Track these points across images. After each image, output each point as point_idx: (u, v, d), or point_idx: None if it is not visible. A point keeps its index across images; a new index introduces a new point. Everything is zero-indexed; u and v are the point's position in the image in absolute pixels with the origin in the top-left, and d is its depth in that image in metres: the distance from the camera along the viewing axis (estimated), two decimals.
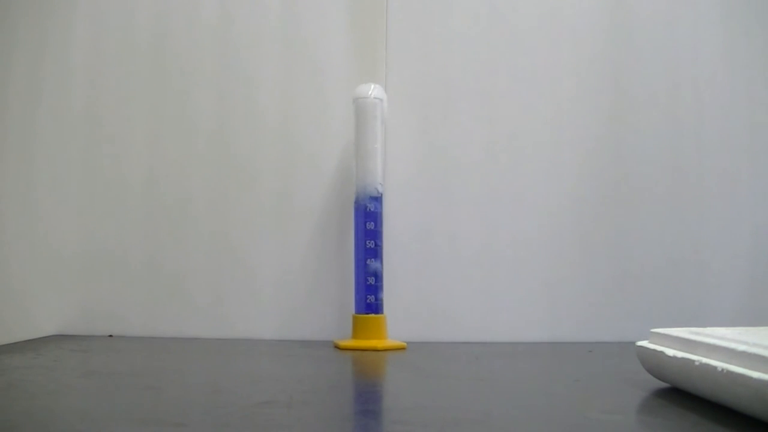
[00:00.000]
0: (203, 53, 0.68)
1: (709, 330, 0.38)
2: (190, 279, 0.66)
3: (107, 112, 0.68)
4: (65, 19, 0.68)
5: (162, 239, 0.67)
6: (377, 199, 0.62)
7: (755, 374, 0.30)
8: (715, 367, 0.33)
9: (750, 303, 0.68)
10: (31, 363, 0.48)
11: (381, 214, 0.62)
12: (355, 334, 0.61)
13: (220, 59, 0.68)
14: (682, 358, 0.36)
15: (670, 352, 0.37)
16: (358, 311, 0.61)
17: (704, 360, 0.34)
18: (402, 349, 0.59)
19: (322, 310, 0.66)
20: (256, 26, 0.69)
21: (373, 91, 0.63)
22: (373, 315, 0.60)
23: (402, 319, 0.64)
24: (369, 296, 0.61)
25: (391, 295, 0.63)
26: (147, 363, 0.52)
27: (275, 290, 0.66)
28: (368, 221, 0.61)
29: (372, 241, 0.61)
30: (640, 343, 0.41)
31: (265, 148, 0.68)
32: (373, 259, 0.61)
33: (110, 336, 0.65)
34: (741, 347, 0.32)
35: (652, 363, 0.40)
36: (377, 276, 0.61)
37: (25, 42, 0.67)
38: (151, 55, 0.68)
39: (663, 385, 0.40)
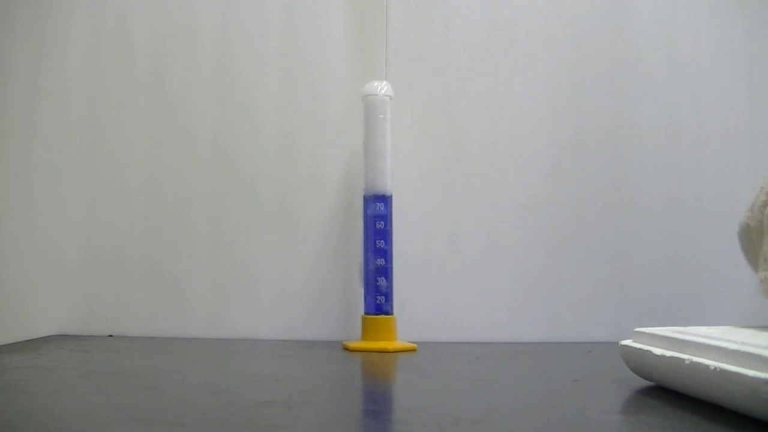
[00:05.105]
0: (202, 54, 0.68)
1: (692, 329, 0.39)
2: (191, 279, 0.66)
3: (107, 114, 0.68)
4: (63, 21, 0.68)
5: (163, 240, 0.67)
6: (387, 198, 0.61)
7: (750, 372, 0.30)
8: (707, 366, 0.33)
9: (749, 304, 0.68)
10: (31, 363, 0.48)
11: (391, 213, 0.61)
12: (365, 335, 0.60)
13: (219, 59, 0.68)
14: (671, 357, 0.36)
15: (657, 351, 0.38)
16: (368, 312, 0.60)
17: (695, 359, 0.34)
18: (412, 350, 0.59)
19: (328, 310, 0.66)
20: (256, 26, 0.69)
21: (383, 88, 0.62)
22: (383, 316, 0.60)
23: (410, 320, 0.64)
24: (379, 297, 0.60)
25: (399, 295, 0.63)
26: (147, 363, 0.52)
27: (278, 289, 0.66)
28: (378, 221, 0.61)
29: (382, 241, 0.60)
30: (624, 342, 0.42)
31: (266, 147, 0.68)
32: (383, 260, 0.60)
33: (110, 336, 0.65)
34: (732, 346, 0.32)
35: (638, 362, 0.40)
36: (387, 276, 0.60)
37: (23, 43, 0.67)
38: (150, 56, 0.68)
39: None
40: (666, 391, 0.39)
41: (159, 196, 0.67)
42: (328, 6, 0.69)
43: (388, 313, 0.60)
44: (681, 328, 0.39)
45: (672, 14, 0.71)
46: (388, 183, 0.61)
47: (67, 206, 0.67)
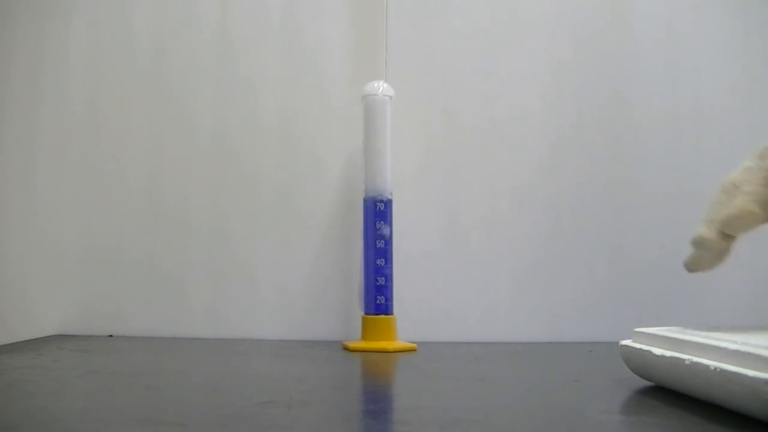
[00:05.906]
0: (203, 54, 0.68)
1: (692, 329, 0.39)
2: (191, 279, 0.66)
3: (107, 113, 0.68)
4: (65, 19, 0.68)
5: (162, 239, 0.67)
6: (387, 198, 0.61)
7: (750, 372, 0.30)
8: (707, 366, 0.33)
9: (750, 304, 0.68)
10: (31, 363, 0.48)
11: (391, 213, 0.61)
12: (365, 335, 0.60)
13: (220, 59, 0.68)
14: (671, 357, 0.36)
15: (657, 351, 0.38)
16: (368, 312, 0.60)
17: (695, 359, 0.34)
18: (412, 350, 0.59)
19: (328, 310, 0.66)
20: (257, 26, 0.69)
21: (383, 88, 0.62)
22: (383, 316, 0.60)
23: (410, 320, 0.63)
24: (379, 297, 0.60)
25: (399, 295, 0.62)
26: (147, 363, 0.52)
27: (279, 289, 0.66)
28: (378, 221, 0.60)
29: (382, 241, 0.60)
30: (624, 342, 0.42)
31: (266, 147, 0.68)
32: (382, 260, 0.60)
33: (110, 336, 0.65)
34: (732, 346, 0.32)
35: (638, 362, 0.40)
36: (387, 276, 0.60)
37: (24, 42, 0.67)
38: (152, 55, 0.68)
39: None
40: (666, 391, 0.39)
41: (159, 197, 0.67)
42: (328, 6, 0.69)
43: (388, 313, 0.60)
44: (681, 328, 0.39)
45: (672, 7, 0.71)
46: (388, 183, 0.61)
47: (67, 207, 0.67)
